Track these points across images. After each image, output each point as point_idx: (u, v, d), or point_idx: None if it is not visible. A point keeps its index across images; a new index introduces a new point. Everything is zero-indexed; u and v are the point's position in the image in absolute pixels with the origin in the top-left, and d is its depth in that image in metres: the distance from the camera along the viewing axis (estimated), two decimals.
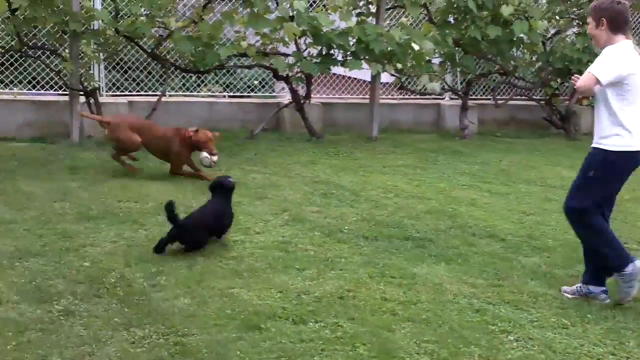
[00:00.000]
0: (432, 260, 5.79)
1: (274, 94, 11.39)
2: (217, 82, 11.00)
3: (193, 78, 10.63)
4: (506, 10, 10.07)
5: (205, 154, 7.59)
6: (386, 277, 5.34)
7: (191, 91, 10.74)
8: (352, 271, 5.43)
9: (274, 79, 10.73)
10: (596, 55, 5.03)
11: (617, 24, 4.87)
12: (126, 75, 10.24)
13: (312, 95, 10.33)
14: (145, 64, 10.29)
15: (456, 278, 5.42)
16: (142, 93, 10.33)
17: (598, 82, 4.81)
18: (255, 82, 11.34)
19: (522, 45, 10.86)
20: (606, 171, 4.94)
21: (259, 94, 11.22)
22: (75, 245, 5.63)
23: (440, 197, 7.71)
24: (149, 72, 10.46)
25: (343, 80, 11.91)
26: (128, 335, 4.24)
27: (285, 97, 10.88)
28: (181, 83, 10.75)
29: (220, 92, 10.90)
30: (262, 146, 9.52)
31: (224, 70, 10.42)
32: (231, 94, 10.94)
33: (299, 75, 9.90)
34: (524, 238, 6.41)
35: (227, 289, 4.95)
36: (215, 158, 7.62)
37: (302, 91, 10.30)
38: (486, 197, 7.83)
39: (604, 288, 5.14)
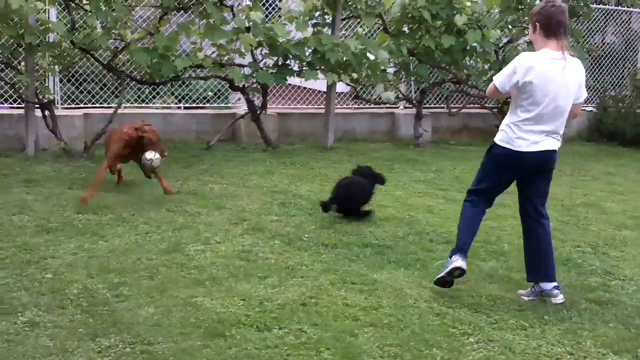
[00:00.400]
0: (392, 266, 5.89)
1: (229, 104, 11.41)
2: (171, 93, 10.98)
3: (147, 90, 10.59)
4: (460, 20, 10.26)
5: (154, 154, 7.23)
6: (347, 284, 5.42)
7: (146, 103, 10.71)
8: (313, 278, 5.50)
9: (229, 90, 10.79)
10: None
11: (549, 28, 4.90)
12: (81, 88, 10.17)
13: (267, 106, 10.37)
14: (100, 76, 10.24)
15: (416, 283, 5.52)
16: (97, 105, 10.28)
17: (498, 90, 5.04)
18: (210, 94, 11.35)
19: (475, 54, 11.05)
20: (488, 161, 5.22)
21: (215, 105, 11.21)
22: (36, 257, 5.60)
23: (397, 205, 7.82)
24: (104, 84, 10.41)
25: (298, 91, 11.99)
26: (94, 345, 4.26)
27: (241, 108, 10.93)
28: (136, 95, 10.72)
29: (175, 103, 10.88)
30: (219, 157, 9.55)
31: (179, 82, 10.39)
32: (186, 105, 10.91)
33: (255, 85, 9.95)
34: (480, 243, 6.52)
35: (190, 298, 4.99)
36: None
37: (257, 102, 10.36)
38: (442, 203, 7.97)
39: (555, 284, 5.24)
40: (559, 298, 5.19)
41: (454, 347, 4.49)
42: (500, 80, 4.99)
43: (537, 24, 4.94)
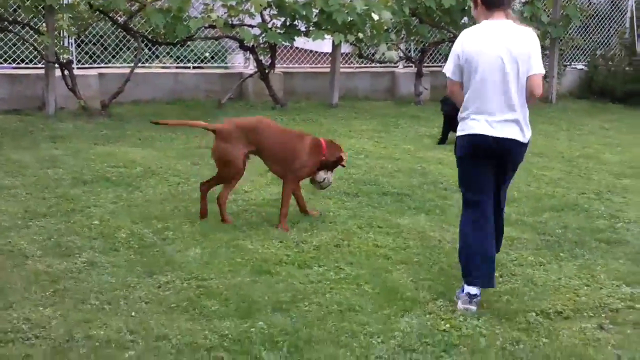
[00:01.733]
0: (413, 212, 6.29)
1: (228, 64, 11.71)
2: (169, 55, 11.21)
3: (145, 51, 10.76)
4: None
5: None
6: (374, 228, 5.82)
7: (142, 64, 10.89)
8: (342, 223, 5.89)
9: (227, 51, 11.13)
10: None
11: (490, 1, 4.39)
12: (94, 49, 10.43)
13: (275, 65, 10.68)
14: (112, 36, 10.50)
15: (438, 226, 5.92)
16: (110, 65, 10.55)
17: (450, 79, 4.55)
18: (207, 55, 11.61)
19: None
20: (459, 155, 4.62)
21: (214, 65, 11.47)
22: (79, 206, 5.94)
23: (408, 157, 8.20)
24: (117, 45, 10.68)
25: (300, 53, 12.29)
26: (153, 281, 4.63)
27: (249, 68, 11.24)
28: (132, 56, 10.88)
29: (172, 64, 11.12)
30: (232, 114, 9.83)
31: (171, 44, 10.47)
32: (195, 65, 11.21)
33: (264, 45, 10.25)
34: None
35: (232, 241, 5.36)
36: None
37: (265, 61, 10.67)
38: (451, 156, 8.23)
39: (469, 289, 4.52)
40: (465, 307, 4.45)
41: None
42: (448, 67, 4.52)
43: None
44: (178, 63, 11.17)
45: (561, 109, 12.28)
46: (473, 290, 4.46)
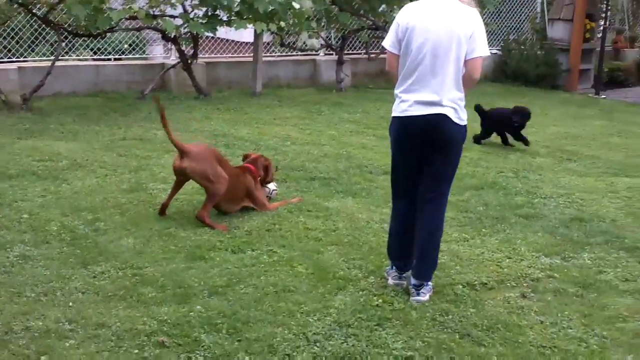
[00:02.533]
0: (340, 195, 6.45)
1: (147, 55, 11.66)
2: (86, 46, 11.09)
3: (63, 44, 10.64)
4: None
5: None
6: (303, 212, 5.95)
7: (61, 57, 10.76)
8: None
9: (145, 42, 11.09)
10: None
11: None
12: (13, 42, 10.25)
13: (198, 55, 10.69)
14: (32, 29, 10.34)
15: (365, 208, 6.10)
16: (30, 59, 10.39)
17: (389, 52, 4.46)
18: (126, 46, 11.53)
19: (391, 1, 11.59)
20: (390, 136, 4.57)
21: (132, 57, 11.41)
22: (6, 201, 5.88)
23: (333, 143, 8.36)
24: (36, 38, 10.52)
25: (222, 43, 12.32)
26: (87, 271, 4.66)
27: (171, 58, 11.23)
28: (52, 48, 10.77)
29: (91, 56, 11.01)
30: (154, 105, 9.80)
31: (92, 36, 10.37)
32: (116, 57, 11.13)
33: (186, 36, 10.26)
34: None
35: (164, 229, 5.42)
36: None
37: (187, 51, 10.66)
38: (374, 140, 8.55)
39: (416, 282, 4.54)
40: (395, 282, 4.63)
41: None
42: (387, 40, 4.44)
43: None
44: (96, 55, 11.06)
45: (477, 92, 12.53)
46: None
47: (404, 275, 4.64)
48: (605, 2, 13.97)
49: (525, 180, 7.18)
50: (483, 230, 5.70)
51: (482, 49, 4.27)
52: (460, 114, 4.34)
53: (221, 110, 9.79)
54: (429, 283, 4.53)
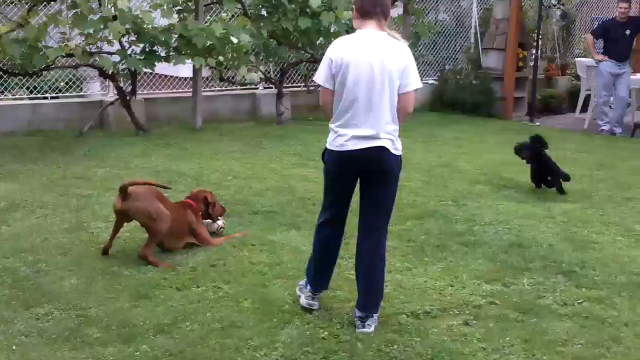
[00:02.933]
0: (284, 228, 6.49)
1: (84, 93, 11.58)
2: (22, 85, 10.97)
3: None
4: (314, 2, 10.89)
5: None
6: (247, 246, 5.97)
7: None
8: None
9: (82, 80, 11.04)
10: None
11: (363, 8, 4.38)
12: None
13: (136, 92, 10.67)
14: None
15: (308, 240, 6.04)
16: None
17: (323, 87, 4.47)
18: (62, 84, 11.43)
19: (329, 35, 11.76)
20: (325, 166, 4.67)
21: (69, 94, 11.30)
22: None
23: (275, 176, 8.40)
24: None
25: (160, 79, 12.29)
26: (30, 314, 4.61)
27: (109, 95, 11.17)
28: None
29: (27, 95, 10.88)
30: (94, 143, 9.76)
31: (28, 75, 10.26)
32: (53, 95, 11.02)
33: (124, 72, 10.24)
34: (357, 203, 7.22)
35: (107, 268, 5.39)
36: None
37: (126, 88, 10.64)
38: (315, 172, 8.58)
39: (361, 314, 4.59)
40: (364, 330, 4.52)
41: (354, 288, 5.05)
42: (320, 75, 4.44)
43: (354, 6, 4.46)
44: (32, 94, 10.94)
45: (416, 122, 12.76)
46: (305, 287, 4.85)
47: (317, 296, 4.79)
48: (536, 31, 14.35)
49: (465, 208, 7.32)
50: (425, 259, 5.80)
51: (415, 82, 4.40)
52: (396, 145, 4.45)
53: (161, 146, 9.76)
54: (375, 315, 4.58)
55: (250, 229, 6.43)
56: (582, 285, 5.38)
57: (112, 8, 9.53)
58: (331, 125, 4.49)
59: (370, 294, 4.58)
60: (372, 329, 4.51)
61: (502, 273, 5.55)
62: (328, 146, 4.53)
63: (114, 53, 9.99)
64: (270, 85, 12.61)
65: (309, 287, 4.82)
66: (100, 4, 9.61)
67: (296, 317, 4.65)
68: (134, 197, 5.59)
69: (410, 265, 5.65)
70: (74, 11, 9.29)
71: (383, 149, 4.37)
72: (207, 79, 12.15)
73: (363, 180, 4.52)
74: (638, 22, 12.82)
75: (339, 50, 4.36)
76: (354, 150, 4.37)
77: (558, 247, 6.21)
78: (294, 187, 7.89)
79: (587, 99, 13.88)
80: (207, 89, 12.29)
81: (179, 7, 10.47)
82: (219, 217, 6.35)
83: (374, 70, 4.29)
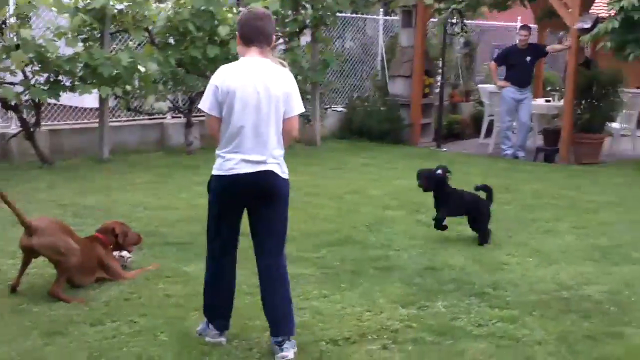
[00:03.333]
0: (198, 258, 6.32)
1: None
2: None
3: None
4: (223, 31, 10.91)
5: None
6: (162, 278, 5.88)
7: None
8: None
9: None
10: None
11: (245, 35, 4.48)
12: None
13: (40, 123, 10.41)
14: None
15: None
16: None
17: (209, 115, 4.48)
18: None
19: None
20: (211, 197, 4.68)
21: None
22: None
23: (185, 206, 8.31)
24: None
25: (64, 110, 11.99)
26: None
27: (11, 127, 10.85)
28: None
29: None
30: None
31: None
32: None
33: (28, 103, 9.98)
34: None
35: (17, 306, 5.23)
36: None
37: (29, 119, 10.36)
38: None
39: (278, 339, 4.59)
40: (284, 354, 4.52)
41: None
42: (205, 102, 4.46)
43: (238, 34, 4.52)
44: None
45: (326, 149, 12.95)
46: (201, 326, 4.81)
47: (224, 332, 4.73)
48: (441, 59, 14.71)
49: (378, 233, 7.40)
50: (342, 285, 5.82)
51: (299, 107, 4.54)
52: (283, 168, 4.55)
53: (67, 179, 9.53)
54: (292, 339, 4.58)
55: (164, 260, 6.33)
56: (495, 306, 5.50)
57: (15, 37, 9.32)
58: (218, 152, 4.52)
59: (278, 317, 4.60)
60: (291, 354, 4.50)
61: (417, 296, 5.63)
62: (215, 172, 4.52)
63: (16, 83, 9.75)
64: (179, 115, 12.49)
65: (210, 326, 4.74)
66: (1, 33, 9.38)
67: (215, 349, 4.59)
68: (40, 232, 5.44)
69: (327, 292, 5.65)
70: None
71: (272, 174, 4.46)
72: (113, 108, 11.94)
73: (252, 206, 4.56)
74: (537, 48, 13.33)
75: (224, 77, 4.41)
76: (243, 173, 4.41)
77: (470, 270, 6.34)
78: (204, 216, 7.77)
79: (490, 124, 14.30)
80: (114, 119, 12.07)
81: (84, 36, 10.28)
82: (128, 249, 6.20)
83: (260, 96, 4.37)
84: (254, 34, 4.45)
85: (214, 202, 4.63)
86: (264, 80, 4.38)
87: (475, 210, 7.33)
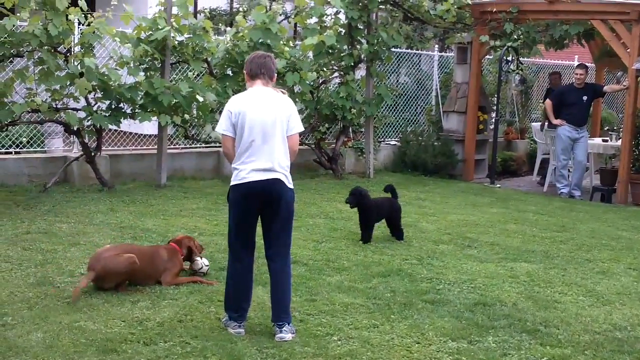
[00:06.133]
0: None
1: (45, 149, 11.52)
2: None
3: None
4: (279, 63, 11.10)
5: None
6: (214, 302, 5.98)
7: None
8: (183, 299, 6.01)
9: (44, 135, 11.04)
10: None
11: (251, 71, 5.34)
12: None
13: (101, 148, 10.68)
14: None
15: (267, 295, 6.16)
16: None
17: (225, 135, 5.30)
18: (23, 140, 11.36)
19: (294, 94, 11.95)
20: (228, 203, 5.43)
21: (34, 149, 11.22)
22: None
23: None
24: None
25: (125, 135, 12.28)
26: None
27: (73, 151, 11.15)
28: None
29: None
30: (58, 198, 9.71)
31: None
32: (17, 150, 10.96)
33: (90, 128, 10.25)
34: (323, 262, 7.30)
35: (74, 323, 5.35)
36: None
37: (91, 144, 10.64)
38: None
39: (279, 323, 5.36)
40: (282, 335, 5.26)
41: (321, 345, 5.19)
42: (221, 126, 5.30)
43: (245, 71, 5.41)
44: None
45: (379, 182, 12.93)
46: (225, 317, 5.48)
47: (242, 324, 5.40)
48: (496, 96, 14.71)
49: (430, 267, 7.40)
50: (392, 316, 5.84)
51: (298, 127, 5.41)
52: (289, 179, 5.36)
53: (126, 203, 9.74)
54: (289, 323, 5.35)
55: (219, 286, 6.41)
56: (546, 344, 5.47)
57: (79, 65, 9.61)
58: (233, 165, 5.34)
59: (280, 304, 5.37)
60: (289, 336, 5.25)
61: (467, 331, 5.62)
62: (232, 183, 5.34)
63: (79, 109, 10.03)
64: None
65: (231, 319, 5.41)
66: (67, 61, 9.68)
67: None
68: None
69: (376, 322, 5.68)
70: (41, 67, 9.34)
71: (280, 181, 5.28)
72: (172, 136, 12.18)
73: (263, 213, 5.37)
74: (594, 88, 13.24)
75: (237, 103, 5.29)
76: (254, 181, 5.22)
77: (522, 306, 6.30)
78: (261, 243, 7.89)
79: (543, 162, 14.22)
80: (172, 146, 12.32)
81: (145, 66, 10.54)
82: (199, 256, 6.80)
83: (266, 116, 5.23)
84: (257, 69, 5.35)
85: (232, 208, 5.40)
86: (269, 104, 5.26)
87: (391, 211, 8.48)
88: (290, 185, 5.36)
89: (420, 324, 5.71)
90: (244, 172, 5.23)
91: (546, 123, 13.71)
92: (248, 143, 5.20)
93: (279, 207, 5.32)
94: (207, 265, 6.84)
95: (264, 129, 5.20)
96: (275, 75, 5.50)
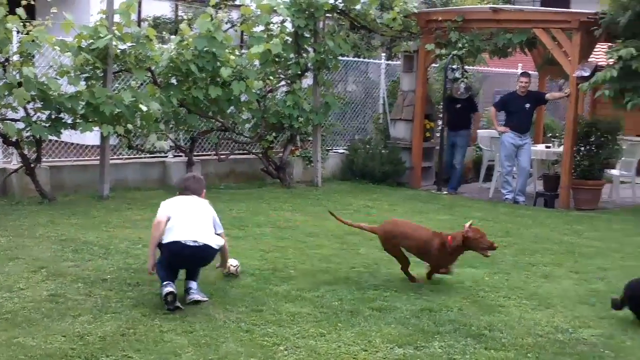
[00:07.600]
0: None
1: None
2: None
3: None
4: (225, 72, 11.02)
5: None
6: (159, 314, 5.86)
7: None
8: (126, 312, 5.88)
9: None
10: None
11: (181, 188, 6.80)
12: None
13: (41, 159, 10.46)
14: None
15: (222, 308, 6.08)
16: None
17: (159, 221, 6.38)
18: None
19: (239, 103, 11.87)
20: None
21: None
22: None
23: None
24: None
25: (66, 147, 12.03)
26: None
27: (12, 162, 10.89)
28: None
29: None
30: None
31: None
32: None
33: (29, 139, 10.03)
34: (270, 271, 7.23)
35: (12, 339, 5.20)
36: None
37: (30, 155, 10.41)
38: (229, 241, 8.54)
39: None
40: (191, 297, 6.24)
41: (268, 355, 5.13)
42: (158, 215, 6.40)
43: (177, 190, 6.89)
44: None
45: (327, 191, 12.95)
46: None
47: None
48: (442, 103, 14.80)
49: (377, 274, 7.39)
50: (339, 324, 5.80)
51: (219, 227, 6.67)
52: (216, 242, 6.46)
53: (67, 215, 9.54)
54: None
55: (158, 299, 6.31)
56: (490, 347, 5.50)
57: (17, 74, 9.41)
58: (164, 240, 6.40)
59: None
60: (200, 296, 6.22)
61: (414, 337, 5.61)
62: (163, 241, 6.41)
63: (18, 120, 9.82)
64: (181, 154, 12.55)
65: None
66: (4, 70, 9.47)
67: None
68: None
69: (324, 331, 5.64)
70: None
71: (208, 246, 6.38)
72: (114, 146, 11.98)
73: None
74: (537, 96, 13.44)
75: (169, 200, 6.56)
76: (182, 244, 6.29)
77: (467, 311, 6.32)
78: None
79: (489, 169, 14.34)
80: (115, 156, 12.12)
81: (86, 75, 10.35)
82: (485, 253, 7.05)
83: (193, 208, 6.51)
84: (185, 187, 6.76)
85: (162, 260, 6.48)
86: (194, 205, 6.55)
87: None
88: (217, 247, 6.47)
89: (367, 331, 5.69)
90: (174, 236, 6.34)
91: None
92: (180, 223, 6.37)
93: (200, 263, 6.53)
94: (237, 266, 7.06)
95: (191, 213, 6.48)
96: (203, 193, 6.86)
